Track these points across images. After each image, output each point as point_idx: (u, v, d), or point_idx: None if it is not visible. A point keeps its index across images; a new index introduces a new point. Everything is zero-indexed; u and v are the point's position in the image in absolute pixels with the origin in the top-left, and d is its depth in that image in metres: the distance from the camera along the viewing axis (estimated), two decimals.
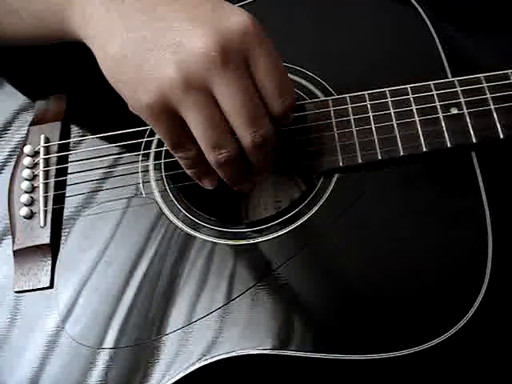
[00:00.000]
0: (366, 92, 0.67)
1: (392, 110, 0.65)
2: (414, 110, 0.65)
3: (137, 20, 0.59)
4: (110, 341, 0.64)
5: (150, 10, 0.60)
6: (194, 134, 0.59)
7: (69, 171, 0.73)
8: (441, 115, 0.64)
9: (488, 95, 0.64)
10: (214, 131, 0.59)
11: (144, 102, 0.59)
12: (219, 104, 0.58)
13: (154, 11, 0.60)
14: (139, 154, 0.71)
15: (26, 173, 0.72)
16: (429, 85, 0.66)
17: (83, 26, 0.64)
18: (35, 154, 0.73)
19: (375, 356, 0.58)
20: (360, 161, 0.65)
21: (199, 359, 0.61)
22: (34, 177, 0.72)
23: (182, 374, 0.61)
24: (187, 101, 0.58)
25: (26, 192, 0.72)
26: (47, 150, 0.74)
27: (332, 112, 0.67)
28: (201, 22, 0.57)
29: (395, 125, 0.65)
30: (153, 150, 0.71)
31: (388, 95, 0.66)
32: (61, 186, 0.72)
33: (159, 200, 0.69)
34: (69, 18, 0.66)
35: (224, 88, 0.57)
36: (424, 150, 0.64)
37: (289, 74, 0.71)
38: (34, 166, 0.73)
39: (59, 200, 0.71)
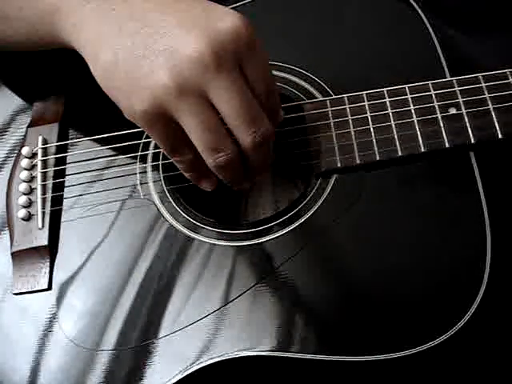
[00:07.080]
0: (364, 92, 0.67)
1: (390, 111, 0.65)
2: (413, 110, 0.65)
3: (128, 26, 0.59)
4: (108, 342, 0.64)
5: (140, 17, 0.59)
6: (192, 138, 0.59)
7: (67, 173, 0.73)
8: (439, 115, 0.64)
9: (486, 95, 0.64)
10: (212, 135, 0.58)
11: (138, 109, 0.58)
12: (216, 107, 0.58)
13: (144, 17, 0.59)
14: (137, 156, 0.71)
15: (24, 174, 0.72)
16: (427, 85, 0.66)
17: (74, 33, 0.64)
18: (33, 155, 0.73)
19: (379, 357, 0.58)
20: (358, 161, 0.65)
21: (197, 361, 0.61)
22: (31, 178, 0.72)
23: (179, 376, 0.61)
24: (182, 106, 0.57)
25: (24, 194, 0.71)
26: (45, 152, 0.73)
27: (330, 112, 0.67)
28: (192, 26, 0.57)
29: (393, 125, 0.65)
30: (150, 151, 0.71)
31: (386, 95, 0.66)
32: (59, 187, 0.72)
33: (157, 201, 0.69)
34: (59, 25, 0.65)
35: (220, 91, 0.57)
36: (422, 150, 0.63)
37: (287, 75, 0.71)
38: (32, 167, 0.73)
39: (57, 202, 0.71)
